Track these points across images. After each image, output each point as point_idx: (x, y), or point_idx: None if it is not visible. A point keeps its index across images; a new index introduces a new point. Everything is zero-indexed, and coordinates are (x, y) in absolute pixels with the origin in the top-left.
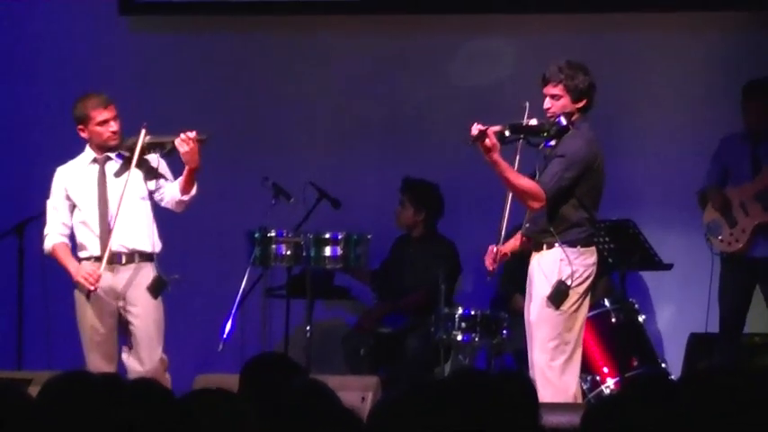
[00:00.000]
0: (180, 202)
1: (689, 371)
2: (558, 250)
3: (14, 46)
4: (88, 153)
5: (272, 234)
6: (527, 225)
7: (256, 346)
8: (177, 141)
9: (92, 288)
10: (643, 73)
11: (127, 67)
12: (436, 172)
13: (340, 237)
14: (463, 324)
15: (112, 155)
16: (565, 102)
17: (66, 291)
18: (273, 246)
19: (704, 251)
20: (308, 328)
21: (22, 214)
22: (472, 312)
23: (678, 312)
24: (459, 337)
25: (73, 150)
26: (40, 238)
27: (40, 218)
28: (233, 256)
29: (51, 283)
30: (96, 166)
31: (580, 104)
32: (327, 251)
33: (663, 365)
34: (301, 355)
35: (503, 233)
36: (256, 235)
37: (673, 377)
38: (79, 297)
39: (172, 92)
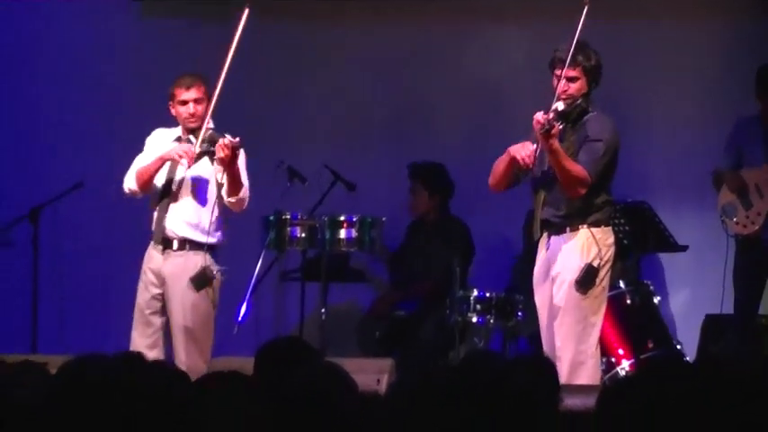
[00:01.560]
0: (231, 203)
1: (704, 352)
2: (584, 231)
3: (25, 33)
4: (177, 129)
5: (287, 217)
6: (545, 209)
7: (271, 329)
8: (216, 146)
9: (186, 164)
10: (656, 57)
11: (140, 53)
12: (447, 156)
13: (354, 219)
14: (478, 306)
15: (193, 139)
16: (581, 84)
17: (81, 275)
18: (288, 229)
19: (719, 233)
20: (322, 310)
21: (35, 200)
22: (487, 294)
23: (693, 294)
24: (474, 319)
25: (86, 136)
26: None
27: (53, 203)
28: (248, 239)
29: (65, 268)
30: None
31: (593, 86)
32: (342, 234)
33: (678, 347)
34: (316, 338)
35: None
36: (271, 218)
37: (688, 358)
38: (141, 274)
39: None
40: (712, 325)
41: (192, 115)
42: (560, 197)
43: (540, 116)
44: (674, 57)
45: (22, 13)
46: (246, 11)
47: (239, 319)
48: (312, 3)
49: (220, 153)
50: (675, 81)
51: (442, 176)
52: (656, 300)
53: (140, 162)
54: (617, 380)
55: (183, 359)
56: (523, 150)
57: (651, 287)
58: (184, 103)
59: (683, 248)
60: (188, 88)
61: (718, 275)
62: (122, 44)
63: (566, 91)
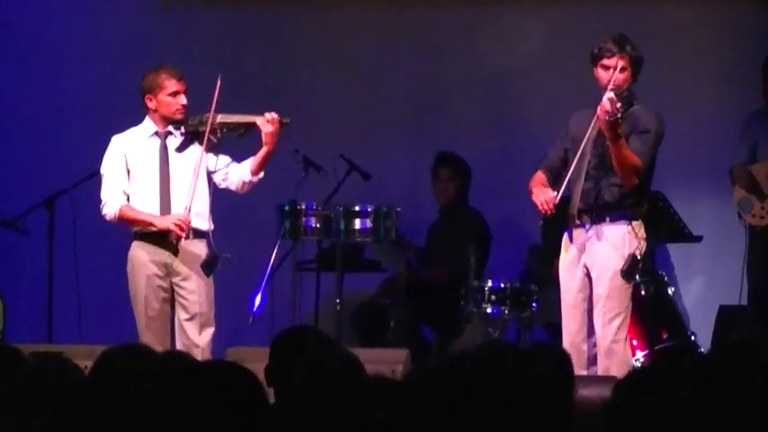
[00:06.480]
0: (248, 183)
1: (718, 343)
2: (624, 223)
3: (44, 23)
4: (148, 125)
5: (302, 207)
6: (583, 199)
7: (286, 319)
8: (260, 121)
9: (183, 235)
10: (669, 47)
11: (158, 41)
12: (463, 144)
13: (369, 209)
14: (492, 297)
15: (174, 130)
16: (627, 74)
17: (97, 263)
18: (303, 219)
19: (733, 223)
20: (337, 300)
21: (52, 187)
22: (501, 285)
23: (707, 285)
24: (489, 310)
25: (105, 123)
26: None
27: (70, 192)
28: (263, 229)
29: (82, 256)
30: (158, 140)
31: (635, 78)
32: (357, 224)
33: (692, 338)
34: (331, 327)
35: (563, 186)
36: (286, 208)
37: (702, 349)
38: (132, 273)
39: (202, 68)
40: (726, 316)
41: (184, 106)
42: (600, 186)
43: (607, 103)
44: (690, 46)
45: (41, 4)
46: (219, 81)
47: (254, 309)
48: None
49: (268, 128)
50: (692, 71)
51: (464, 164)
52: (671, 291)
53: (115, 191)
54: (631, 370)
55: (198, 342)
56: (543, 196)
57: (665, 278)
58: (175, 94)
59: (698, 239)
60: (179, 80)
61: (732, 266)
62: (141, 32)
63: (614, 81)
